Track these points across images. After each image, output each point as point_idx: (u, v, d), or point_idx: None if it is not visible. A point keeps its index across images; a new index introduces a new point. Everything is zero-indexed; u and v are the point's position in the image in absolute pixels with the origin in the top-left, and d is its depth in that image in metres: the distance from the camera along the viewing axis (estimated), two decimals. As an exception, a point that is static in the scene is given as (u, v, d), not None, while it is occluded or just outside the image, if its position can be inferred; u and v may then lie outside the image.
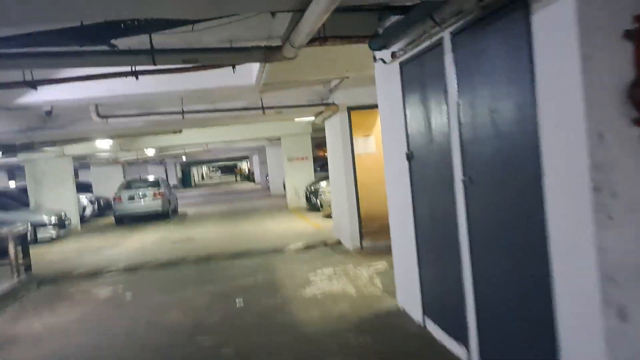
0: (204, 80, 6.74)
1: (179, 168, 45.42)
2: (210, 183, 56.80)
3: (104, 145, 12.86)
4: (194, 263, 8.89)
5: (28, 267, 7.83)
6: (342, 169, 8.75)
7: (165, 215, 17.07)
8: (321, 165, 19.59)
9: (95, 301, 6.91)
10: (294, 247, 9.33)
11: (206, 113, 7.94)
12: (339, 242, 9.45)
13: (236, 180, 54.68)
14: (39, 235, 13.36)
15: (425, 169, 4.27)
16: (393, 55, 4.43)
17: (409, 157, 4.50)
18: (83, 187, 22.64)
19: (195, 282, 7.43)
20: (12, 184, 27.28)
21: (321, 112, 8.93)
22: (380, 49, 4.51)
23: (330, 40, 4.08)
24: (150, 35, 3.89)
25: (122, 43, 3.89)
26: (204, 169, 77.02)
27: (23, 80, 4.48)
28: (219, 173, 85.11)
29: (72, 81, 4.83)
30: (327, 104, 8.35)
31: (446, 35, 3.53)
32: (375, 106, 5.40)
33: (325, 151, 33.27)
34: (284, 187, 22.68)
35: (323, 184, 15.26)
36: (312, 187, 15.54)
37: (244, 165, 62.96)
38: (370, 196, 9.43)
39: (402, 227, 4.88)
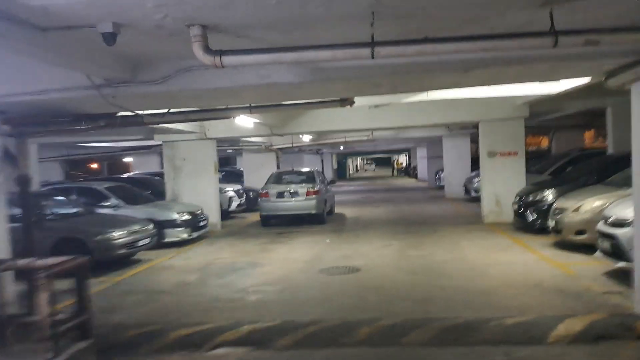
0: None
1: (335, 159, 42.68)
2: (366, 176, 53.48)
3: (245, 123, 9.50)
4: (368, 344, 4.68)
5: (85, 331, 4.36)
6: None
7: (319, 218, 13.43)
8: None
9: None
10: (566, 334, 4.60)
11: (412, 46, 3.61)
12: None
13: (393, 175, 50.45)
14: (167, 238, 10.56)
15: None
16: None
17: None
18: (234, 177, 20.43)
19: None
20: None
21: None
22: None
23: None
24: None
25: None
26: (359, 160, 74.44)
27: None
28: (373, 166, 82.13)
29: None
30: None
31: None
32: None
33: (536, 144, 26.39)
34: (466, 190, 17.76)
35: (549, 193, 10.09)
36: (532, 197, 10.42)
37: (402, 159, 58.56)
38: None
39: None
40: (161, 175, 15.00)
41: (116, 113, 6.47)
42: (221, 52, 3.71)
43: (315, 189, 13.30)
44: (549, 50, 3.82)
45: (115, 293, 7.13)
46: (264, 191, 13.51)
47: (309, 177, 14.00)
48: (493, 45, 3.52)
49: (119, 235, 8.54)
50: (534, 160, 15.98)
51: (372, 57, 3.56)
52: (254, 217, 15.26)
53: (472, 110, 12.11)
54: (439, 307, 5.72)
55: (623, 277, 6.29)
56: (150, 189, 13.25)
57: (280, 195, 13.30)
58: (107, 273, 8.27)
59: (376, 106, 11.12)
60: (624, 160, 10.07)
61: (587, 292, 5.98)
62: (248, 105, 6.51)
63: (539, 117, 15.66)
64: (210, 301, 6.47)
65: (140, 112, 6.34)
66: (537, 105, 11.59)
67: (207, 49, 3.71)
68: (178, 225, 10.69)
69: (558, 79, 5.61)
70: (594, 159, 11.45)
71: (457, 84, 5.60)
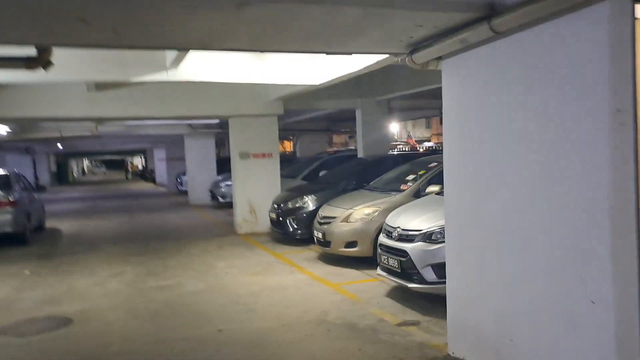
0: None
1: (53, 160, 35.75)
2: (94, 180, 46.94)
3: None
4: None
5: None
6: (582, 170, 2.80)
7: (20, 238, 9.73)
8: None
9: None
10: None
11: None
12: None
13: (127, 179, 45.52)
14: None
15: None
16: None
17: None
18: None
19: None
20: None
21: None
22: None
23: None
24: None
25: None
26: (86, 162, 65.55)
27: None
28: (103, 168, 73.68)
29: None
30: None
31: None
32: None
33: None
34: (213, 196, 16.02)
35: (308, 200, 9.11)
36: (291, 205, 9.25)
37: (137, 162, 53.57)
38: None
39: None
40: None
41: None
42: None
43: (11, 198, 9.53)
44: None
45: None
46: None
47: (2, 183, 10.04)
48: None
49: None
50: (281, 164, 15.37)
51: None
52: None
53: (221, 104, 10.37)
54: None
55: (409, 299, 5.42)
56: None
57: (-50, 208, 9.07)
58: None
59: (98, 85, 8.30)
60: (380, 164, 9.90)
61: (382, 325, 4.79)
62: None
63: (288, 117, 15.11)
64: None
65: None
66: (292, 102, 10.64)
67: None
68: None
69: (357, 48, 4.14)
70: (349, 162, 11.07)
71: (218, 36, 3.29)
